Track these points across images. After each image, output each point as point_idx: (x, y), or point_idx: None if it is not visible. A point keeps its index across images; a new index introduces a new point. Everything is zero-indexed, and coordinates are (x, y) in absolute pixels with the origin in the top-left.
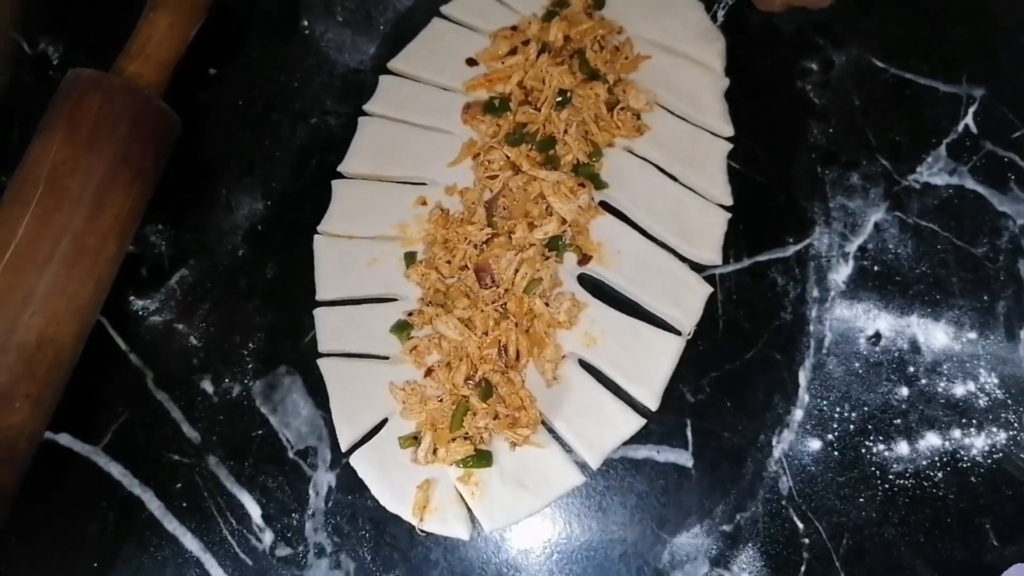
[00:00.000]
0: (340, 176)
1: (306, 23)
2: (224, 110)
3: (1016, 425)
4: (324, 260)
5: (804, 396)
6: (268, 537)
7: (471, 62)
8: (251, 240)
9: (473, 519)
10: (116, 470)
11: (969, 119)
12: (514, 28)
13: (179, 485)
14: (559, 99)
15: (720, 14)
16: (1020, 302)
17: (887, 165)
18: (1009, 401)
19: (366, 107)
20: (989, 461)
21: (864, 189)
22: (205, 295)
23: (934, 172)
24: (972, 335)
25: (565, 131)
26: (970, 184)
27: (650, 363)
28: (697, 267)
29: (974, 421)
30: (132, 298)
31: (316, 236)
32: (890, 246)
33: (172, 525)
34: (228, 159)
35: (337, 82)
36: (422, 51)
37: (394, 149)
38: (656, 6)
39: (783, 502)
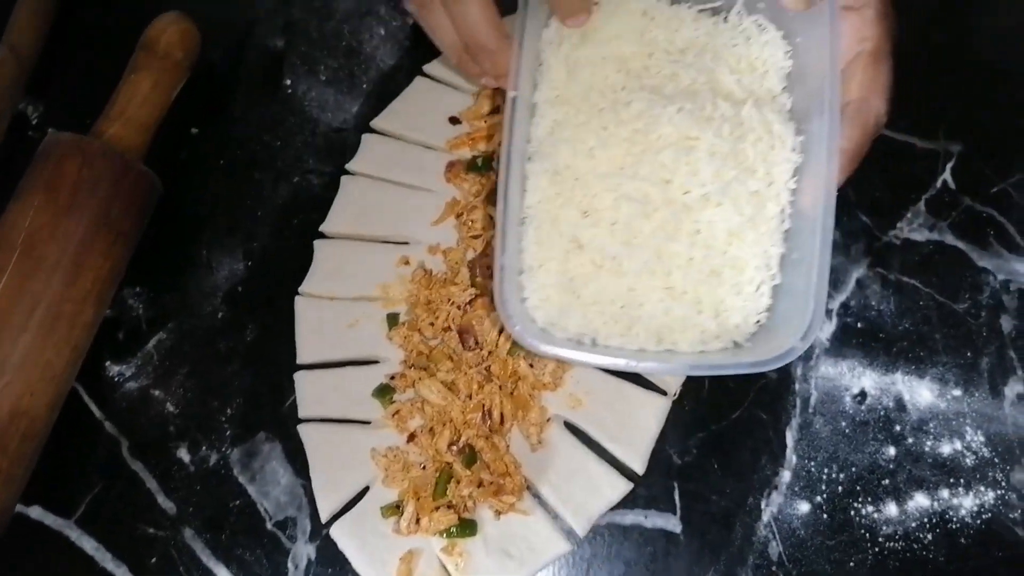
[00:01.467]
0: (322, 236)
1: (289, 82)
2: (206, 169)
3: (1004, 484)
4: (305, 322)
5: (792, 457)
6: None
7: (454, 120)
8: (231, 301)
9: None
10: (89, 544)
11: (947, 174)
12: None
13: (154, 559)
14: None
15: None
16: (1003, 358)
17: (867, 221)
18: (996, 459)
19: (348, 166)
20: (978, 522)
21: (845, 246)
22: (183, 359)
23: (914, 228)
24: (957, 392)
25: None
26: (950, 240)
27: (636, 424)
28: None
29: (962, 480)
30: (108, 363)
31: (297, 297)
32: (872, 303)
33: None
34: (209, 219)
35: (320, 141)
36: (405, 110)
37: (376, 208)
38: None
39: (773, 568)
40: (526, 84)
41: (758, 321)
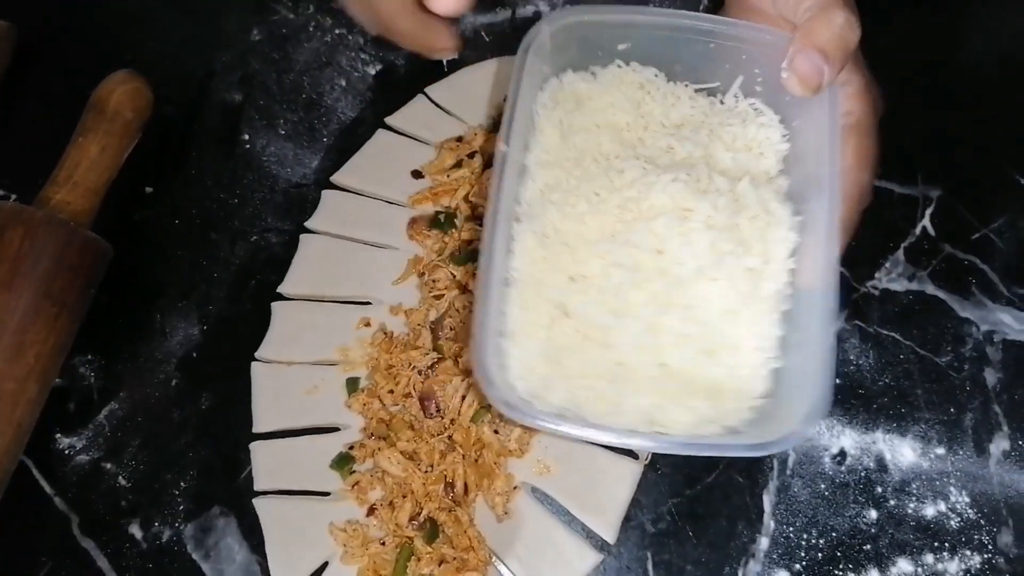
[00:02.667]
0: (281, 297)
1: (247, 136)
2: (160, 230)
3: (990, 547)
4: (261, 389)
5: (769, 523)
6: None
7: (416, 174)
8: (186, 368)
9: None
10: None
11: (927, 221)
12: (460, 139)
13: None
14: None
15: None
16: (988, 414)
17: (844, 272)
18: (982, 521)
19: (308, 223)
20: None
21: None
22: (136, 430)
23: (893, 277)
24: (940, 450)
25: None
26: (930, 289)
27: (606, 492)
28: None
29: (946, 544)
30: (58, 435)
31: (253, 363)
32: (851, 357)
33: None
34: (163, 282)
35: (279, 197)
36: (366, 164)
37: (337, 267)
38: None
39: None
40: (517, 142)
41: (757, 407)
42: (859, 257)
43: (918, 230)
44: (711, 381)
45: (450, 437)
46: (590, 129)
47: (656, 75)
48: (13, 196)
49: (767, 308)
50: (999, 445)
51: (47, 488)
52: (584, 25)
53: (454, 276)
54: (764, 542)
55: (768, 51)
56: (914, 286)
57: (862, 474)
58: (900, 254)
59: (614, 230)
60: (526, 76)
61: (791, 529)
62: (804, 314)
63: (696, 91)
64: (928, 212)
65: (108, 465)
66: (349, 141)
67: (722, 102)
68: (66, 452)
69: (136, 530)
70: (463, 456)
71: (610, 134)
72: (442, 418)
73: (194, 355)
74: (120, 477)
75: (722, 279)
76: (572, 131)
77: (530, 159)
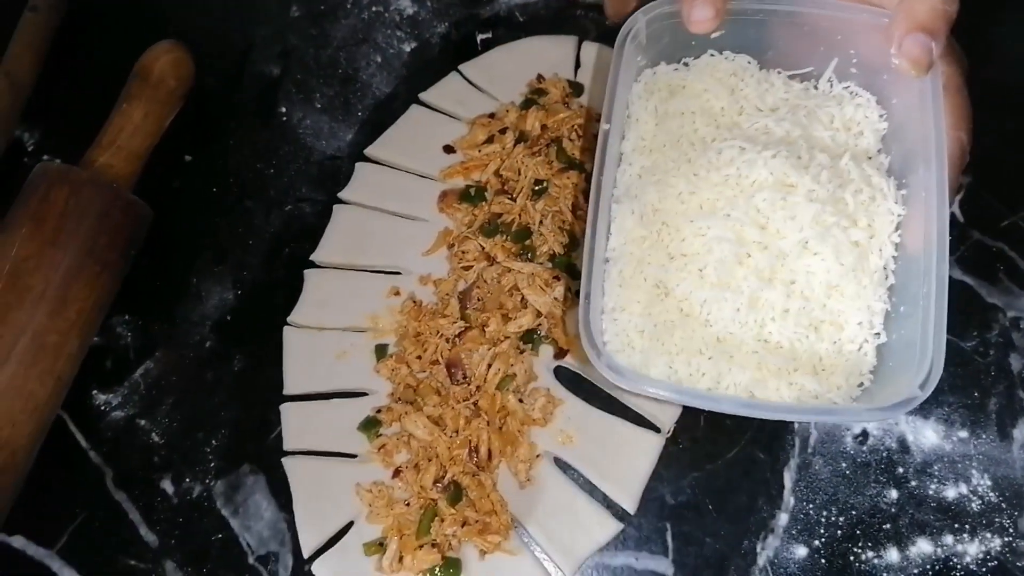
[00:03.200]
0: (313, 265)
1: (284, 109)
2: (198, 197)
3: (1011, 531)
4: (293, 352)
5: (789, 499)
6: None
7: (448, 149)
8: (220, 331)
9: None
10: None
11: (956, 207)
12: (492, 116)
13: None
14: (535, 189)
15: None
16: (1012, 399)
17: None
18: (1003, 505)
19: (341, 194)
20: (984, 570)
21: None
22: (170, 389)
23: None
24: (963, 434)
25: (541, 222)
26: (958, 275)
27: (628, 463)
28: None
29: (967, 526)
30: (95, 392)
31: (285, 327)
32: None
33: None
34: (200, 247)
35: (313, 169)
36: (399, 138)
37: (368, 237)
38: None
39: None
40: (616, 127)
41: (861, 384)
42: None
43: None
44: (814, 357)
45: (475, 404)
46: (685, 114)
47: (749, 62)
48: (58, 160)
49: (872, 283)
50: (1022, 430)
51: (83, 442)
52: (678, 14)
53: (483, 248)
54: (784, 518)
55: (864, 31)
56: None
57: (884, 454)
58: None
59: (715, 207)
60: (624, 66)
61: (811, 506)
62: (911, 285)
63: (789, 77)
64: (957, 199)
65: (142, 422)
66: (383, 116)
67: (816, 87)
68: (102, 408)
69: (168, 485)
70: (487, 423)
71: (705, 118)
72: (468, 385)
73: (228, 318)
74: (153, 434)
75: (826, 252)
76: (667, 117)
77: (626, 146)
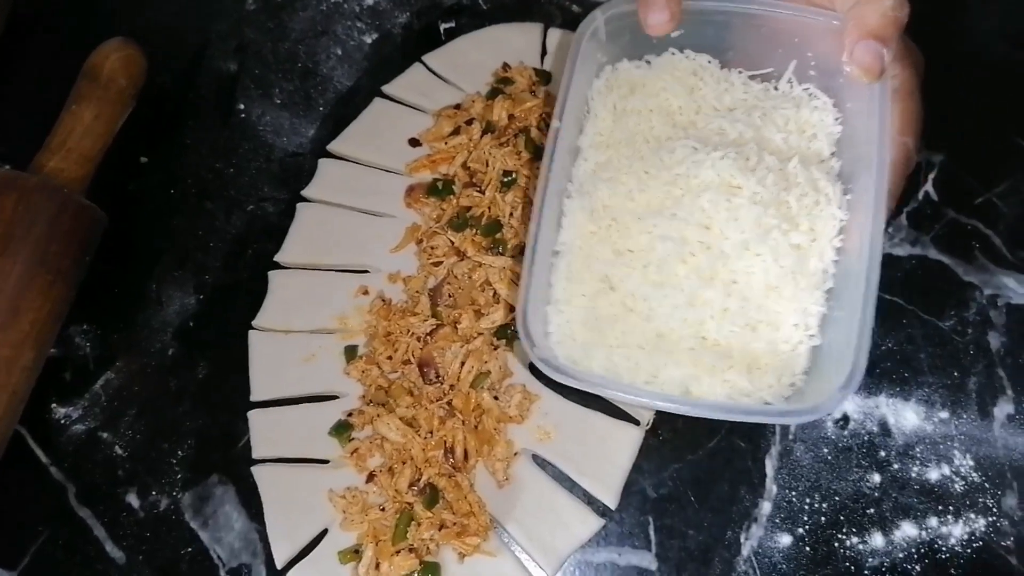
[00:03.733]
0: (277, 266)
1: (242, 106)
2: (155, 200)
3: (995, 510)
4: (259, 357)
5: (772, 487)
6: None
7: (414, 142)
8: (182, 338)
9: None
10: None
11: (929, 186)
12: (458, 107)
13: None
14: (504, 180)
15: None
16: (991, 377)
17: None
18: (986, 484)
19: (304, 192)
20: (969, 551)
21: None
22: (132, 399)
23: (896, 243)
24: (944, 414)
25: (511, 214)
26: (933, 254)
27: (607, 457)
28: None
29: (951, 507)
30: (54, 405)
31: (251, 331)
32: None
33: None
34: (159, 251)
35: (275, 167)
36: (363, 132)
37: (334, 235)
38: None
39: None
40: (570, 122)
41: (792, 384)
42: None
43: (921, 195)
44: (749, 355)
45: (449, 403)
46: (642, 112)
47: (709, 61)
48: (7, 165)
49: (810, 285)
50: (1003, 409)
51: (43, 457)
52: (637, 13)
53: (452, 243)
54: (767, 506)
55: (821, 34)
56: (917, 251)
57: (865, 438)
58: (903, 219)
59: (662, 205)
60: (580, 61)
61: (793, 493)
62: (847, 290)
63: (750, 77)
64: (931, 177)
65: (104, 434)
66: (345, 110)
67: (776, 88)
68: (62, 421)
69: (133, 499)
70: (463, 422)
71: (662, 117)
72: (441, 384)
73: (191, 324)
74: (117, 446)
75: (766, 254)
76: (625, 114)
77: (584, 141)
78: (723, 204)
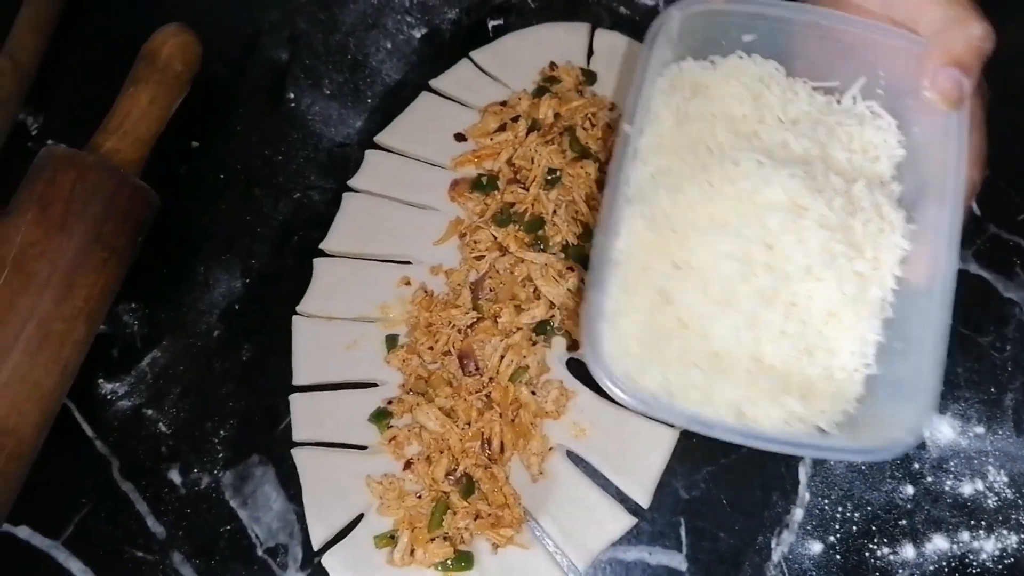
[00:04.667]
0: (322, 254)
1: (292, 95)
2: (205, 184)
3: None
4: (302, 342)
5: (804, 494)
6: None
7: (459, 137)
8: (228, 320)
9: None
10: (76, 567)
11: (972, 201)
12: (504, 103)
13: None
14: (548, 178)
15: None
16: None
17: None
18: (1020, 501)
19: (351, 182)
20: (1000, 567)
21: None
22: (177, 378)
23: None
24: (979, 429)
25: (554, 212)
26: (974, 269)
27: (641, 456)
28: None
29: (983, 523)
30: (101, 380)
31: (294, 317)
32: None
33: None
34: (208, 235)
35: (322, 156)
36: (410, 125)
37: (378, 226)
38: None
39: None
40: (640, 125)
41: (845, 411)
42: None
43: None
44: (805, 380)
45: (488, 395)
46: (706, 117)
47: (776, 69)
48: (63, 144)
49: (870, 313)
50: None
51: (89, 431)
52: (713, 14)
53: (495, 238)
54: (799, 513)
55: (897, 54)
56: (958, 265)
57: None
58: None
59: (726, 220)
60: (652, 62)
61: (826, 501)
62: (911, 322)
63: (814, 88)
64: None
65: (149, 411)
66: (393, 103)
67: (839, 102)
68: (108, 397)
69: (175, 476)
70: (500, 415)
71: (725, 124)
72: (480, 376)
73: (236, 307)
74: (161, 424)
75: (830, 280)
76: (688, 118)
77: (643, 142)
78: (790, 225)
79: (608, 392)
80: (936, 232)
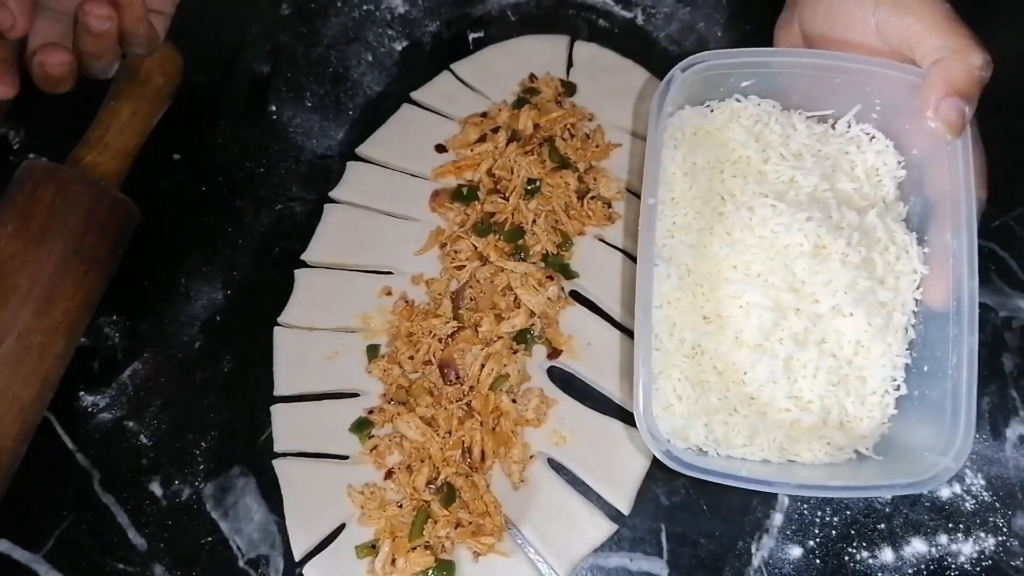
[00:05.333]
0: (303, 264)
1: (274, 108)
2: (187, 196)
3: (1005, 530)
4: (283, 353)
5: (784, 499)
6: None
7: (440, 148)
8: (209, 331)
9: None
10: None
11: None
12: (484, 115)
13: None
14: (528, 188)
15: None
16: (1005, 398)
17: None
18: (997, 504)
19: (332, 194)
20: (978, 570)
21: None
22: (158, 390)
23: None
24: None
25: (534, 221)
26: None
27: (622, 464)
28: None
29: (961, 526)
30: (82, 393)
31: (276, 328)
32: None
33: None
34: (189, 247)
35: (304, 168)
36: (391, 137)
37: (360, 237)
38: (626, 93)
39: None
40: (660, 194)
41: (882, 434)
42: None
43: None
44: (841, 410)
45: (468, 404)
46: (713, 165)
47: (773, 106)
48: (44, 158)
49: (897, 339)
50: (1015, 430)
51: (70, 444)
52: (716, 67)
53: (475, 247)
54: (778, 518)
55: (891, 82)
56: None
57: None
58: None
59: (749, 270)
60: (661, 125)
61: (805, 506)
62: (935, 343)
63: (808, 117)
64: None
65: (130, 423)
66: (374, 115)
67: (834, 127)
68: (89, 409)
69: (156, 488)
70: (481, 423)
71: (732, 168)
72: (461, 385)
73: (217, 319)
74: (142, 436)
75: (859, 315)
76: (696, 170)
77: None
78: (815, 268)
79: (673, 468)
80: (952, 255)
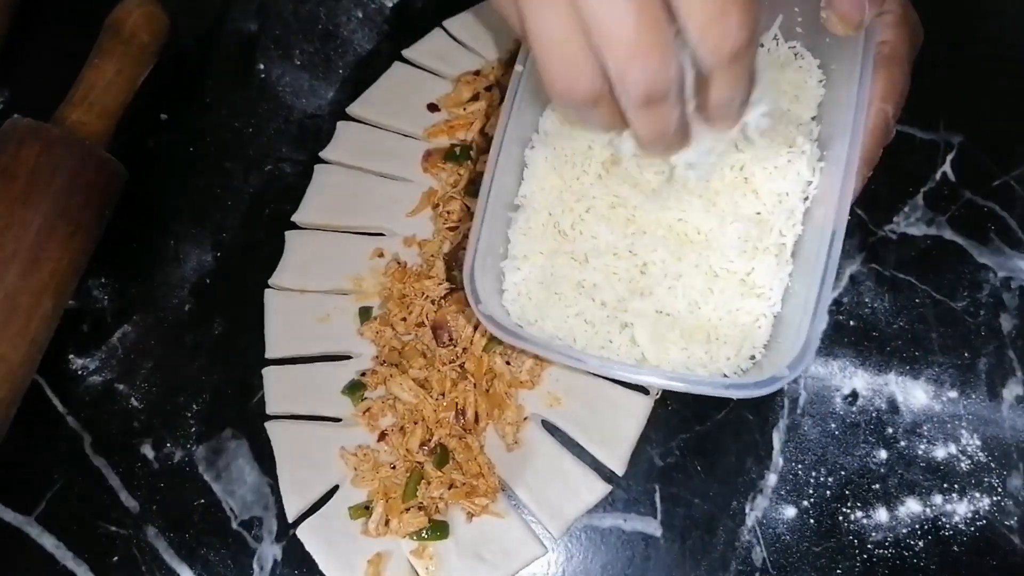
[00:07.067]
0: (294, 226)
1: (262, 67)
2: (175, 157)
3: (1000, 490)
4: (274, 315)
5: (778, 459)
6: None
7: (432, 107)
8: (199, 294)
9: None
10: (49, 542)
11: (947, 167)
12: (477, 73)
13: (115, 558)
14: None
15: None
16: (1002, 359)
17: (862, 215)
18: (992, 464)
19: (323, 154)
20: (972, 529)
21: None
22: (148, 353)
23: (911, 222)
24: (953, 394)
25: None
26: (949, 235)
27: (616, 425)
28: None
29: (956, 486)
30: (72, 356)
31: (267, 290)
32: (866, 300)
33: None
34: (177, 208)
35: (293, 128)
36: (382, 96)
37: (351, 198)
38: None
39: (757, 574)
40: (534, 68)
41: (752, 357)
42: (878, 201)
43: (938, 175)
44: (708, 326)
45: (462, 366)
46: None
47: None
48: (28, 118)
49: (772, 254)
50: (1012, 390)
51: (60, 407)
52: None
53: (468, 208)
54: (772, 478)
55: None
56: (932, 231)
57: (873, 415)
58: (919, 199)
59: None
60: None
61: (800, 466)
62: (808, 261)
63: None
64: (949, 158)
65: (121, 386)
66: (365, 73)
67: (762, 44)
68: (79, 372)
69: (148, 450)
70: (474, 385)
71: None
72: (454, 347)
73: (207, 281)
74: (132, 398)
75: (731, 223)
76: None
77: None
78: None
79: (492, 332)
80: (836, 166)
